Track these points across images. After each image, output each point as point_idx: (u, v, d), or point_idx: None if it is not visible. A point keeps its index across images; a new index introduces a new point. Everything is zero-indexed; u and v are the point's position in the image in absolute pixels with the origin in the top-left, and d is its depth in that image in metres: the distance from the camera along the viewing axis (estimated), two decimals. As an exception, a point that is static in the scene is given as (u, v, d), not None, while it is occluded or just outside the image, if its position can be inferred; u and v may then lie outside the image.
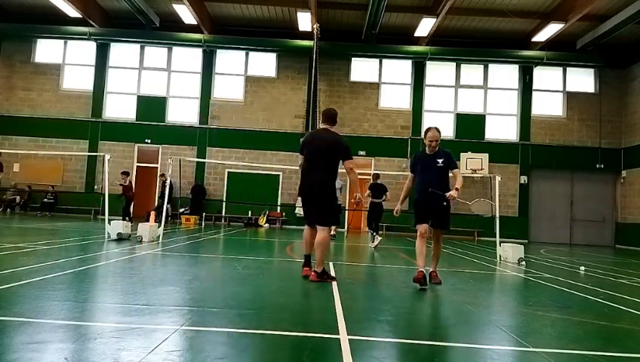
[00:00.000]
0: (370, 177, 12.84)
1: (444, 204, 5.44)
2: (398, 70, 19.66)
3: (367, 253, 10.28)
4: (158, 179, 17.89)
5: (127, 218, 13.49)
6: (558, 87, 19.67)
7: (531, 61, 18.79)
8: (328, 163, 5.52)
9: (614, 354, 3.14)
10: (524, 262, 8.86)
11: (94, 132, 19.11)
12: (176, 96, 19.66)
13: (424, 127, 19.43)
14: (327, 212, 5.54)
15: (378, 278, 6.50)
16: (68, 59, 19.78)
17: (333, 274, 5.74)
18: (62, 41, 19.52)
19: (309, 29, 17.83)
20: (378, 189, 11.62)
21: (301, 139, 5.88)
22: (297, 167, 5.81)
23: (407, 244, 12.81)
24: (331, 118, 5.74)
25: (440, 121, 19.43)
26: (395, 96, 19.53)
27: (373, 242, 11.30)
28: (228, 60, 19.71)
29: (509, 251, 9.18)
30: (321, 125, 5.90)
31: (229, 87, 19.62)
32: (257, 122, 19.29)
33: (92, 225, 13.93)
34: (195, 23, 17.65)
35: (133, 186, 15.03)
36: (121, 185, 14.50)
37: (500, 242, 9.72)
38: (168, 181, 10.47)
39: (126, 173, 14.84)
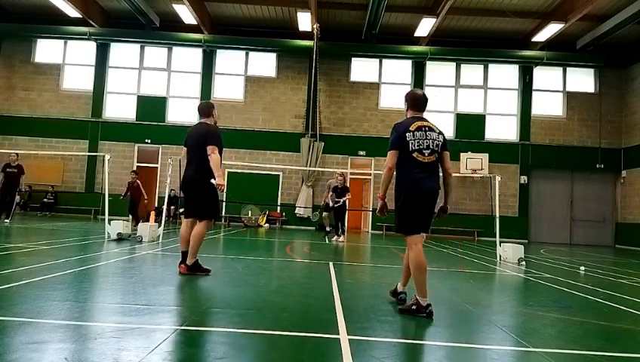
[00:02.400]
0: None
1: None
2: (398, 70, 19.67)
3: (366, 253, 10.28)
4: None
5: (133, 219, 13.34)
6: (558, 87, 19.67)
7: (531, 61, 18.79)
8: (202, 154, 5.35)
9: (614, 354, 3.14)
10: (524, 262, 8.85)
11: (94, 132, 19.11)
12: (176, 96, 19.67)
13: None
14: (206, 205, 5.44)
15: (378, 278, 6.49)
16: (68, 59, 19.78)
17: (207, 267, 5.60)
18: (62, 41, 19.54)
19: (309, 29, 17.83)
20: (344, 191, 12.66)
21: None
22: (180, 159, 5.85)
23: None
24: (203, 112, 5.66)
25: (440, 121, 19.47)
26: (395, 96, 19.51)
27: (339, 237, 12.31)
28: (228, 60, 19.71)
29: (509, 251, 9.18)
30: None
31: (229, 87, 19.63)
32: (257, 122, 19.29)
33: (92, 225, 13.93)
34: (195, 23, 17.65)
35: (140, 186, 14.53)
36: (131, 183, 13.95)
37: (500, 242, 9.72)
38: (167, 190, 10.48)
39: (134, 172, 14.50)
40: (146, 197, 14.01)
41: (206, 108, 5.66)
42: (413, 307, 4.02)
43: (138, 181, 14.02)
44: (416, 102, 4.31)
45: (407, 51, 18.84)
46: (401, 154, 4.09)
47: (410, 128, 4.10)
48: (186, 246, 5.47)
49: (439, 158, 4.17)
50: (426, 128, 4.13)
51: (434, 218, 4.24)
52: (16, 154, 13.41)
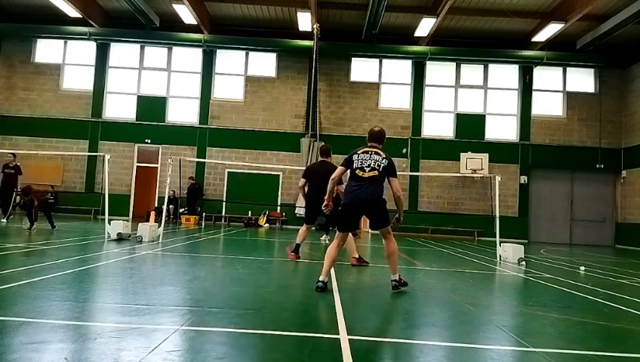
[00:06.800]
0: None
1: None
2: (398, 70, 19.66)
3: (366, 253, 10.28)
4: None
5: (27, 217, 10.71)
6: (558, 87, 19.67)
7: (531, 61, 18.79)
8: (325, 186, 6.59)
9: (614, 354, 3.14)
10: (524, 262, 8.85)
11: (94, 132, 19.11)
12: (176, 96, 19.66)
13: (424, 127, 19.67)
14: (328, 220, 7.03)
15: (378, 278, 6.49)
16: (68, 59, 19.77)
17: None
18: (62, 41, 19.52)
19: (309, 29, 17.83)
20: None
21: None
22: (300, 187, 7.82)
23: (407, 244, 12.82)
24: (325, 153, 7.36)
25: (440, 121, 19.50)
26: (395, 96, 19.52)
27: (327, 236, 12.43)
28: (228, 60, 19.70)
29: (509, 251, 9.17)
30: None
31: (229, 87, 19.62)
32: (257, 122, 19.29)
33: (92, 225, 13.93)
34: (195, 23, 17.64)
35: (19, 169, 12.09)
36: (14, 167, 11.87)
37: (500, 242, 9.72)
38: (167, 190, 10.48)
39: (13, 155, 12.53)
40: (18, 189, 11.58)
41: (327, 150, 7.40)
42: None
43: (18, 164, 12.03)
44: (370, 135, 5.34)
45: (407, 51, 18.83)
46: (349, 171, 5.10)
47: (358, 151, 5.14)
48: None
49: (383, 179, 5.03)
50: (372, 152, 5.10)
51: (391, 224, 5.10)
52: (14, 154, 13.26)
